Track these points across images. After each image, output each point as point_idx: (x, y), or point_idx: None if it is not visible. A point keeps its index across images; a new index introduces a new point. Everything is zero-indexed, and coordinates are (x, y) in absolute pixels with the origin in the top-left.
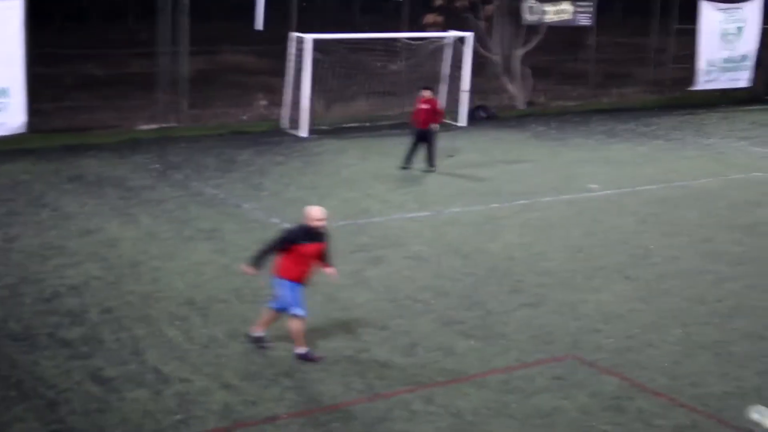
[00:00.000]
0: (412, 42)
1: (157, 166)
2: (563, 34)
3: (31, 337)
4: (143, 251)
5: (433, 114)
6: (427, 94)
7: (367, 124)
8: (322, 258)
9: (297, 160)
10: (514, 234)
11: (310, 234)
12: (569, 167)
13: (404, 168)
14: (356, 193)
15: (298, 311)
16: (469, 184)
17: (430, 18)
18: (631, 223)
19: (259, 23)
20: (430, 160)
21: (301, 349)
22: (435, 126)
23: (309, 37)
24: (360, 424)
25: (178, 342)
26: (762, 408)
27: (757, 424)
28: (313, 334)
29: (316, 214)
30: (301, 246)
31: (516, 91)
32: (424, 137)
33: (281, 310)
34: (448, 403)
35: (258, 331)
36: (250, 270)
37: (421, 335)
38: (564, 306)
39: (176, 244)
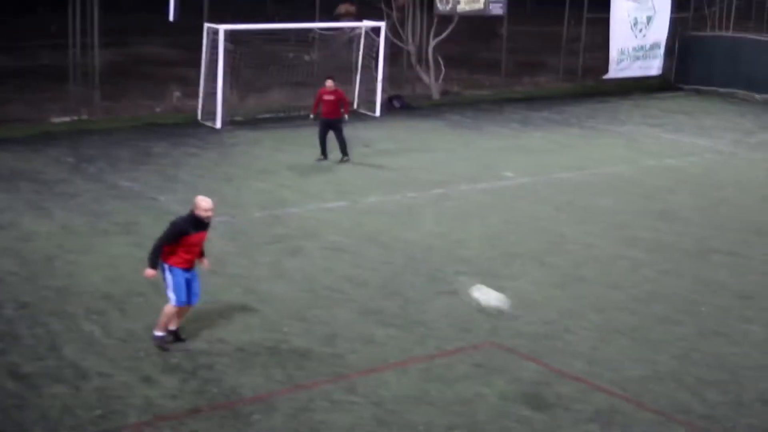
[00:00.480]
0: (326, 32)
1: (71, 159)
2: (476, 24)
3: None
4: (58, 245)
5: (339, 104)
6: (330, 84)
7: (282, 114)
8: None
9: (212, 151)
10: (431, 223)
11: (199, 223)
12: (485, 156)
13: (321, 160)
14: (272, 183)
15: (172, 297)
16: (385, 173)
17: (343, 8)
18: (547, 211)
19: (173, 14)
20: (343, 149)
21: (159, 333)
22: (346, 116)
23: (222, 28)
24: (281, 414)
25: (96, 337)
26: (482, 287)
27: (477, 302)
28: (231, 326)
29: (206, 204)
30: (189, 236)
31: (430, 81)
32: (331, 127)
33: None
34: (369, 393)
35: (171, 327)
36: (152, 273)
37: (341, 325)
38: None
39: (92, 237)
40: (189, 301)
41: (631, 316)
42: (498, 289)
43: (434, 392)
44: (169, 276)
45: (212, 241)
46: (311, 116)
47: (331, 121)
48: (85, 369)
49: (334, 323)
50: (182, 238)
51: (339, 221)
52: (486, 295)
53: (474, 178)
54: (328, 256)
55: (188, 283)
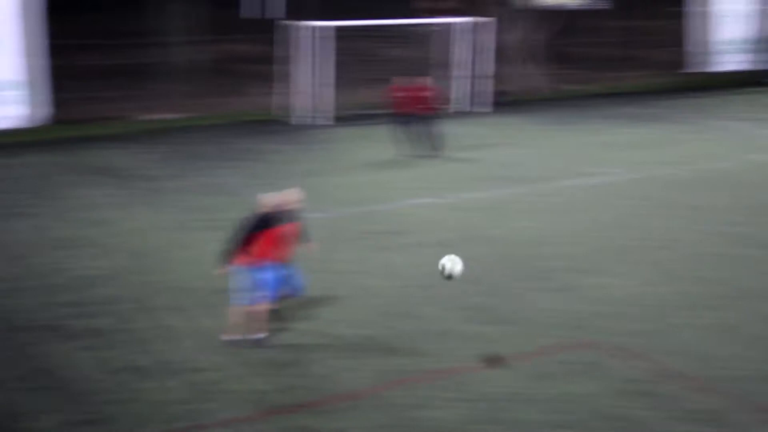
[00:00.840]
0: (428, 28)
1: (168, 156)
2: (583, 19)
3: (62, 327)
4: (170, 241)
5: (431, 100)
6: (422, 81)
7: (378, 111)
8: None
9: (306, 148)
10: (535, 219)
11: (279, 217)
12: (587, 151)
13: (417, 155)
14: (365, 179)
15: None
16: (484, 168)
17: (447, 4)
18: (652, 207)
19: (260, 11)
20: (435, 145)
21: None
22: (439, 112)
23: (318, 25)
24: (383, 410)
25: (212, 331)
26: (453, 256)
27: (444, 271)
28: (332, 321)
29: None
30: (273, 229)
31: (535, 76)
32: (424, 121)
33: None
34: (473, 390)
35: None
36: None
37: (443, 322)
38: (591, 291)
39: (203, 233)
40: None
41: (742, 314)
42: (604, 286)
43: (542, 391)
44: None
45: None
46: (401, 115)
47: (424, 117)
48: (201, 363)
49: (436, 320)
50: (267, 232)
51: (430, 217)
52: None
53: (576, 173)
54: (426, 252)
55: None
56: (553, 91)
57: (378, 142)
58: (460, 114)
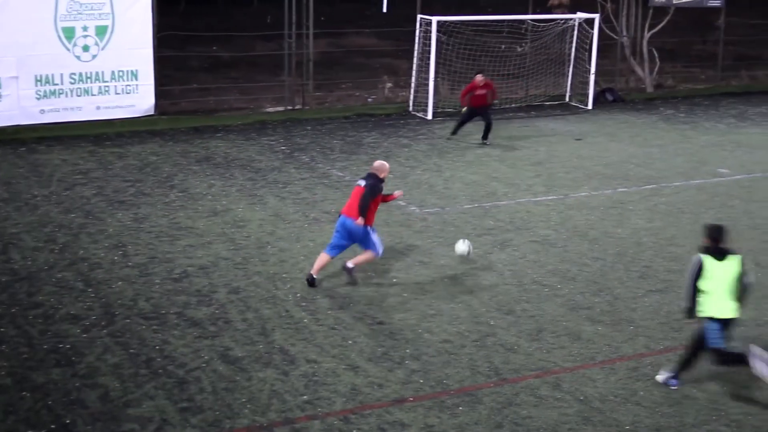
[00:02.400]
0: (538, 24)
1: (284, 148)
2: (692, 15)
3: (160, 316)
4: (270, 232)
5: (489, 95)
6: (480, 79)
7: (492, 106)
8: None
9: (422, 142)
10: (642, 219)
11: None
12: (699, 151)
13: (450, 138)
14: (481, 175)
15: (378, 249)
16: (596, 167)
17: None
18: (764, 209)
19: (384, 5)
20: (486, 134)
21: (351, 265)
22: (495, 101)
23: (434, 19)
24: (486, 408)
25: (305, 323)
26: (466, 240)
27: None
28: (438, 317)
29: (387, 167)
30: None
31: (643, 74)
32: (479, 114)
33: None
34: (575, 390)
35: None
36: (399, 193)
37: (548, 320)
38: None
39: (302, 225)
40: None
41: None
42: None
43: (642, 392)
44: (372, 234)
45: (423, 232)
46: (463, 109)
47: (480, 108)
48: (294, 355)
49: (542, 318)
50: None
51: (548, 215)
52: (465, 247)
53: (688, 174)
54: (537, 249)
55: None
56: (670, 89)
57: (495, 137)
58: (576, 110)
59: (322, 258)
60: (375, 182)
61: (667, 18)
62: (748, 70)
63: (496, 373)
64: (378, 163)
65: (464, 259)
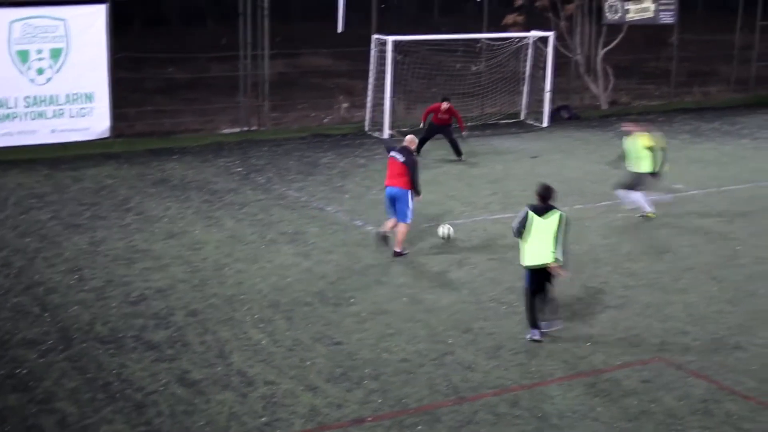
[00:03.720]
0: (493, 43)
1: (240, 169)
2: (645, 33)
3: (117, 340)
4: (227, 254)
5: (452, 118)
6: (445, 105)
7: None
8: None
9: (379, 162)
10: (598, 235)
11: None
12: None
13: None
14: (438, 194)
15: (410, 218)
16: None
17: (510, 18)
18: (718, 224)
19: (340, 25)
20: (457, 151)
21: (399, 249)
22: (463, 134)
23: (389, 39)
24: (445, 427)
25: (263, 345)
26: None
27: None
28: (396, 336)
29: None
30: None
31: (598, 91)
32: (440, 131)
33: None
34: (533, 407)
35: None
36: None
37: (506, 337)
38: (650, 308)
39: (259, 247)
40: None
41: None
42: (667, 302)
43: (600, 407)
44: (411, 201)
45: (381, 252)
46: (421, 124)
47: (441, 126)
48: (252, 377)
49: (500, 335)
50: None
51: (505, 232)
52: (446, 230)
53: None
54: (494, 267)
55: None
56: (624, 106)
57: (451, 155)
58: (532, 128)
59: (389, 222)
60: (413, 156)
61: (621, 35)
62: (702, 86)
63: (455, 392)
64: (409, 137)
65: (446, 241)
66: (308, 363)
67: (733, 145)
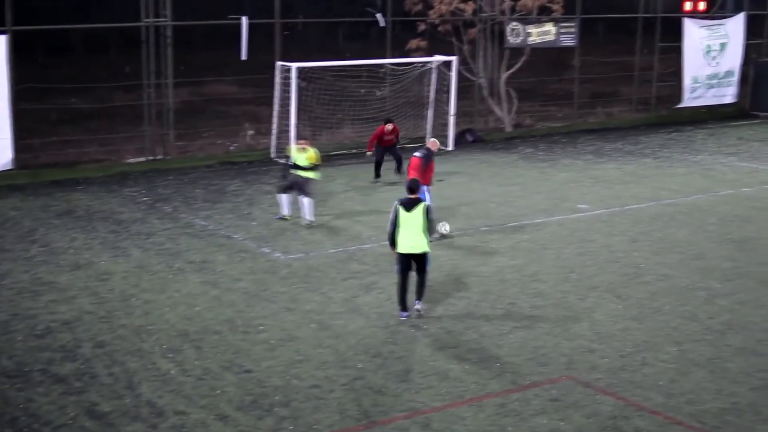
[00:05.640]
0: (397, 67)
1: (146, 198)
2: (548, 56)
3: (24, 374)
4: (134, 285)
5: (396, 138)
6: (389, 127)
7: (354, 150)
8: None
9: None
10: (505, 256)
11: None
12: (559, 188)
13: (375, 181)
14: (345, 220)
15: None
16: (458, 207)
17: (414, 43)
18: (622, 242)
19: (243, 53)
20: (399, 166)
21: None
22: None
23: (293, 66)
24: None
25: (172, 375)
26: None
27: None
28: (306, 362)
29: (438, 143)
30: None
31: (502, 114)
32: (388, 151)
33: None
34: (444, 428)
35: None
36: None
37: (416, 360)
38: (557, 327)
39: (167, 276)
40: None
41: (708, 348)
42: (574, 321)
43: (510, 428)
44: (427, 193)
45: (288, 278)
46: (368, 153)
47: (389, 147)
48: (162, 407)
49: (409, 358)
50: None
51: None
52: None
53: (548, 210)
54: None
55: None
56: (528, 128)
57: (358, 181)
58: (438, 152)
59: None
60: (430, 154)
61: (524, 58)
62: (604, 107)
63: (366, 416)
64: (432, 139)
65: (444, 236)
66: (218, 392)
67: (635, 165)
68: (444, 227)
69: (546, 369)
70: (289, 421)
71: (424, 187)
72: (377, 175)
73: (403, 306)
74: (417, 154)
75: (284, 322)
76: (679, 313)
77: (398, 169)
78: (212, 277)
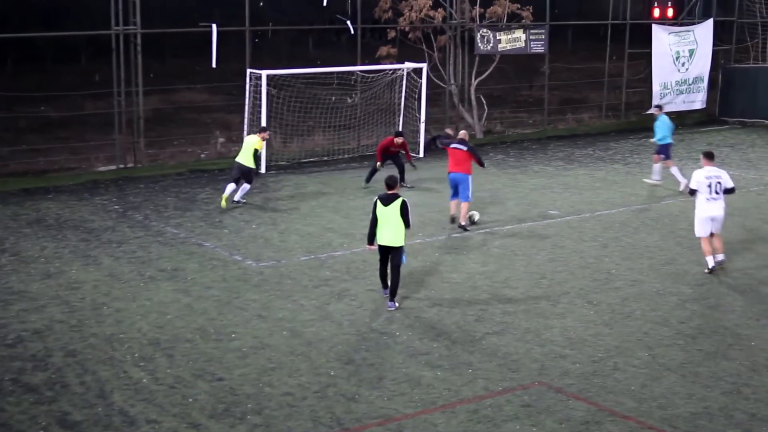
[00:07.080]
0: (367, 75)
1: (117, 207)
2: (517, 62)
3: None
4: (105, 293)
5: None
6: (398, 140)
7: (325, 158)
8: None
9: (256, 196)
10: (476, 263)
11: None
12: (529, 194)
13: (366, 186)
14: (317, 227)
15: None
16: (429, 214)
17: (384, 50)
18: (593, 248)
19: (214, 60)
20: (402, 176)
21: (463, 222)
22: (413, 165)
23: (263, 73)
24: None
25: (144, 383)
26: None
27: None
28: (278, 370)
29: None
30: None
31: (473, 120)
32: (392, 159)
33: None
34: None
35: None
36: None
37: (388, 368)
38: (529, 333)
39: (138, 285)
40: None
41: (680, 352)
42: (545, 326)
43: None
44: (470, 182)
45: (260, 286)
46: (378, 164)
47: (392, 156)
48: (134, 416)
49: (382, 365)
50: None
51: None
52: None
53: (519, 216)
54: (374, 298)
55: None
56: (499, 134)
57: (329, 188)
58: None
59: (453, 204)
60: (471, 145)
61: (494, 65)
62: (574, 113)
63: (338, 423)
64: (463, 131)
65: (474, 223)
66: (191, 400)
67: (605, 171)
68: (475, 216)
69: (518, 375)
70: (262, 429)
71: (469, 177)
72: (368, 180)
73: (385, 284)
74: (459, 146)
75: (256, 330)
76: (650, 318)
77: (402, 179)
78: (184, 285)
